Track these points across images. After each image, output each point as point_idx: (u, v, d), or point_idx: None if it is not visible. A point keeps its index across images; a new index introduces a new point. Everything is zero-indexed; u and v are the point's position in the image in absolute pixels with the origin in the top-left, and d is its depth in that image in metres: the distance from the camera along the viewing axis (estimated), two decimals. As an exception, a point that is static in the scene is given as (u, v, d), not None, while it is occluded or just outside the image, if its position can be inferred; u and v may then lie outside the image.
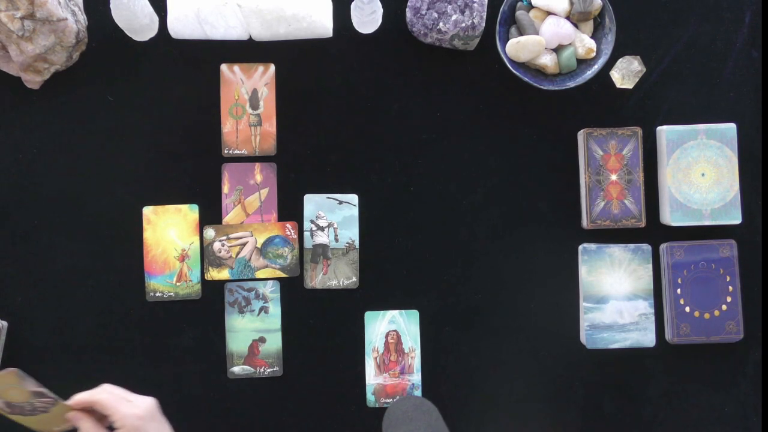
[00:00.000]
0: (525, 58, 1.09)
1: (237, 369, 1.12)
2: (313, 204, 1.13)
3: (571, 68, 1.11)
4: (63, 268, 1.11)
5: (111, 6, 1.07)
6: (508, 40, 1.10)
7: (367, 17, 1.10)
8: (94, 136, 1.12)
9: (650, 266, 1.12)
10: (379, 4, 1.10)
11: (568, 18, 1.10)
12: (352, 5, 1.10)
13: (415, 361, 1.12)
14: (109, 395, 0.87)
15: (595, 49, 1.10)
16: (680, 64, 1.15)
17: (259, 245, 1.12)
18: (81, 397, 0.87)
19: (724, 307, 1.10)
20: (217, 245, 1.12)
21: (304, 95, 1.14)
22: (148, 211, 1.12)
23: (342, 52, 1.14)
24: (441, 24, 1.09)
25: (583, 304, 1.11)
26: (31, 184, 1.12)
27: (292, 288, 1.13)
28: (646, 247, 1.12)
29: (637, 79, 1.13)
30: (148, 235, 1.12)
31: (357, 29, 1.14)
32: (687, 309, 1.10)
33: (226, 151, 1.13)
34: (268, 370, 1.12)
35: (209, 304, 1.12)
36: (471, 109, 1.14)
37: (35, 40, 1.05)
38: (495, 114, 1.14)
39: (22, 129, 1.12)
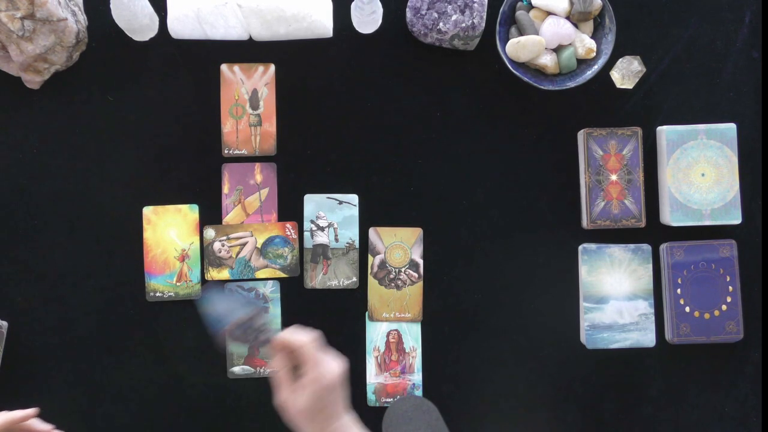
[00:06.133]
0: (525, 58, 1.09)
1: (237, 369, 1.12)
2: (313, 204, 1.13)
3: (571, 68, 1.11)
4: (63, 268, 1.11)
5: (111, 6, 1.07)
6: (508, 40, 1.10)
7: (367, 17, 1.10)
8: (94, 136, 1.12)
9: (650, 266, 1.12)
10: (379, 4, 1.10)
11: (568, 18, 1.10)
12: (352, 5, 1.10)
13: (416, 360, 1.12)
14: (311, 346, 0.85)
15: (595, 49, 1.10)
16: (680, 64, 1.15)
17: (259, 245, 1.12)
18: (284, 338, 0.85)
19: (724, 307, 1.10)
20: (217, 245, 1.12)
21: (304, 95, 1.14)
22: (148, 211, 1.12)
23: (342, 52, 1.14)
24: (441, 24, 1.09)
25: (583, 304, 1.11)
26: (31, 184, 1.12)
27: (292, 288, 1.13)
28: (646, 247, 1.12)
29: (637, 79, 1.13)
30: (148, 235, 1.12)
31: (357, 29, 1.14)
32: (687, 309, 1.10)
33: (226, 151, 1.13)
34: (268, 370, 1.12)
35: (209, 304, 1.12)
36: (471, 109, 1.14)
37: (35, 40, 1.05)
38: (495, 114, 1.14)
39: (22, 129, 1.12)
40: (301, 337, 0.85)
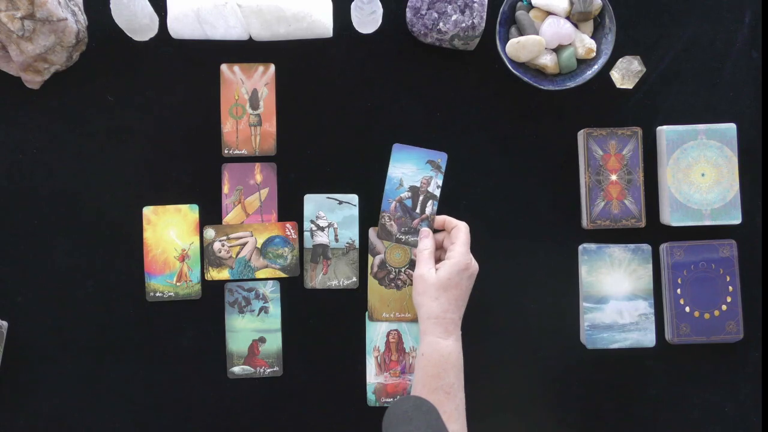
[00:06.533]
0: (525, 58, 1.09)
1: (237, 369, 1.12)
2: (313, 204, 1.13)
3: (571, 68, 1.11)
4: (63, 268, 1.11)
5: (111, 6, 1.07)
6: (508, 40, 1.10)
7: (367, 17, 1.10)
8: (94, 136, 1.13)
9: (650, 266, 1.12)
10: (379, 4, 1.10)
11: (568, 18, 1.10)
12: (352, 5, 1.10)
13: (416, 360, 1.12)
14: (467, 232, 1.04)
15: (595, 49, 1.10)
16: (680, 64, 1.15)
17: (259, 245, 1.12)
18: (445, 218, 1.07)
19: (724, 307, 1.10)
20: (217, 245, 1.12)
21: (304, 95, 1.14)
22: (148, 211, 1.12)
23: (342, 52, 1.14)
24: (441, 24, 1.09)
25: (583, 304, 1.11)
26: (31, 184, 1.12)
27: (292, 288, 1.13)
28: (646, 247, 1.12)
29: (637, 79, 1.13)
30: (148, 235, 1.12)
31: (357, 29, 1.14)
32: (687, 309, 1.10)
33: (226, 151, 1.13)
34: (268, 370, 1.12)
35: (209, 304, 1.12)
36: (471, 109, 1.14)
37: (35, 40, 1.05)
38: (495, 114, 1.14)
39: (22, 129, 1.12)
40: (460, 222, 1.05)
